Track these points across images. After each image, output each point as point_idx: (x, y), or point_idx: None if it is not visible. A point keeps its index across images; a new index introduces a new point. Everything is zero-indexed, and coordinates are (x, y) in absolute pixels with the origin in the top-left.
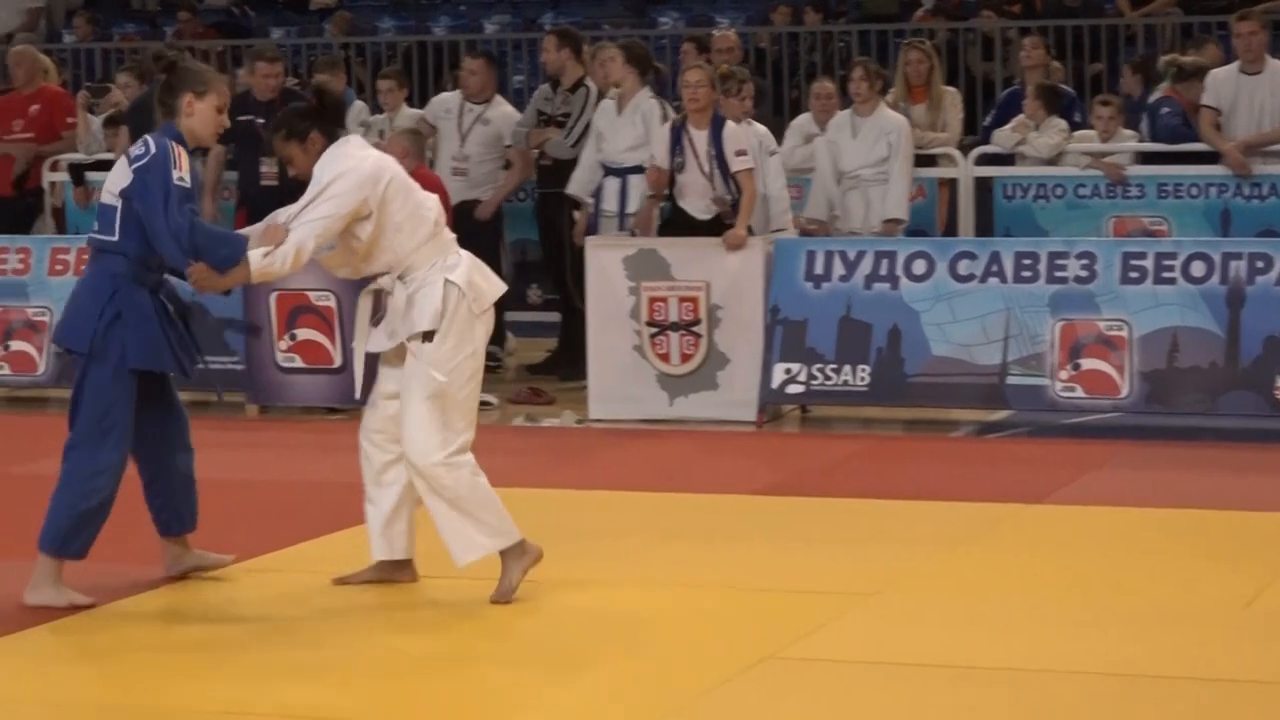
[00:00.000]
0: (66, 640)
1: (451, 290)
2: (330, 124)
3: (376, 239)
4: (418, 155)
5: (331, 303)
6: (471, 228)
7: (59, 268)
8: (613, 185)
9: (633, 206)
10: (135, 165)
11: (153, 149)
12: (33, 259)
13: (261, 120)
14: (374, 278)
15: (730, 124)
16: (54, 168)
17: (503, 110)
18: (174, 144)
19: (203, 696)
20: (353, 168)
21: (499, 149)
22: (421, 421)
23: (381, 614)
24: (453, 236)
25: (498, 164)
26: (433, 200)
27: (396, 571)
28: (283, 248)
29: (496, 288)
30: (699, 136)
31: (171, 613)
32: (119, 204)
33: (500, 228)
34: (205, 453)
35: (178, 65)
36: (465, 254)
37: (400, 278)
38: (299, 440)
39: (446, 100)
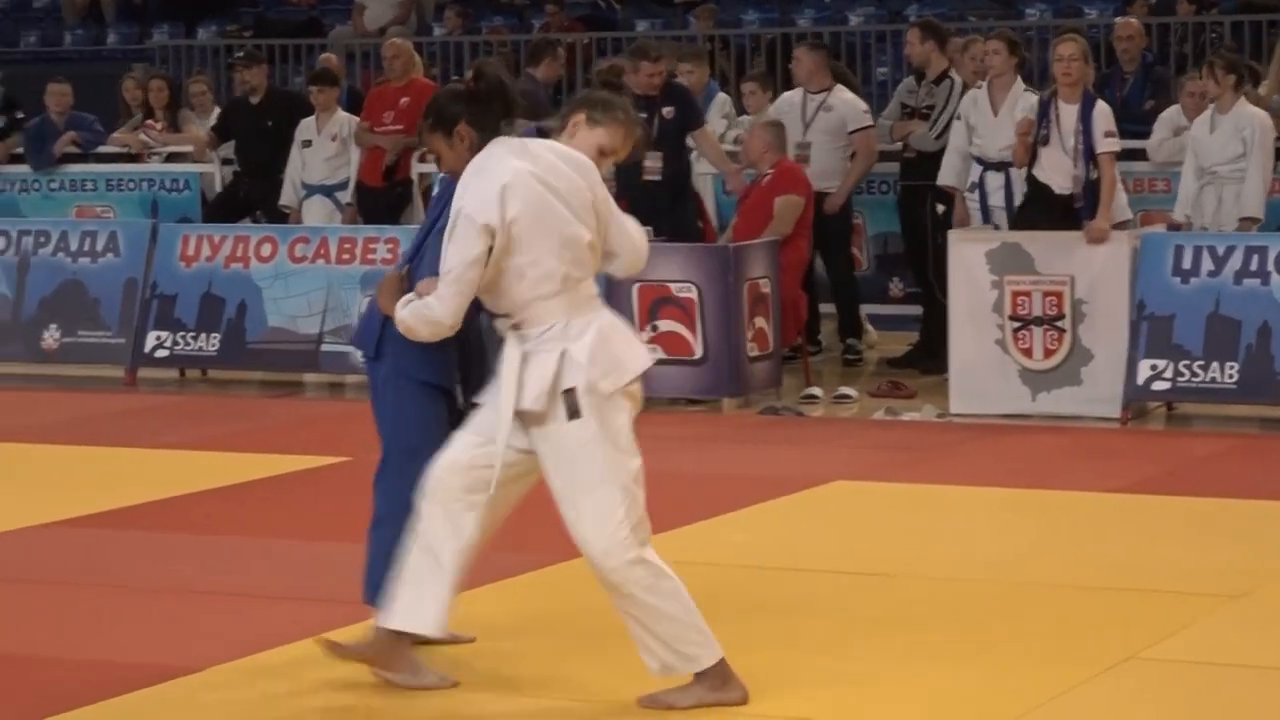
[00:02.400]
0: None
1: (569, 366)
2: (483, 114)
3: (495, 279)
4: (779, 148)
5: (693, 294)
6: (820, 220)
7: None
8: (995, 180)
9: (1019, 200)
10: None
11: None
12: (400, 249)
13: (644, 115)
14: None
15: (1101, 103)
16: (423, 159)
17: (844, 98)
18: None
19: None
20: (477, 190)
21: (842, 137)
22: (600, 514)
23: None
24: (594, 292)
25: (842, 153)
26: (578, 247)
27: None
28: (418, 304)
29: (639, 359)
30: (1067, 111)
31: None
32: None
33: (849, 218)
34: None
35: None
36: (604, 317)
37: (516, 327)
38: (658, 432)
39: (790, 96)
